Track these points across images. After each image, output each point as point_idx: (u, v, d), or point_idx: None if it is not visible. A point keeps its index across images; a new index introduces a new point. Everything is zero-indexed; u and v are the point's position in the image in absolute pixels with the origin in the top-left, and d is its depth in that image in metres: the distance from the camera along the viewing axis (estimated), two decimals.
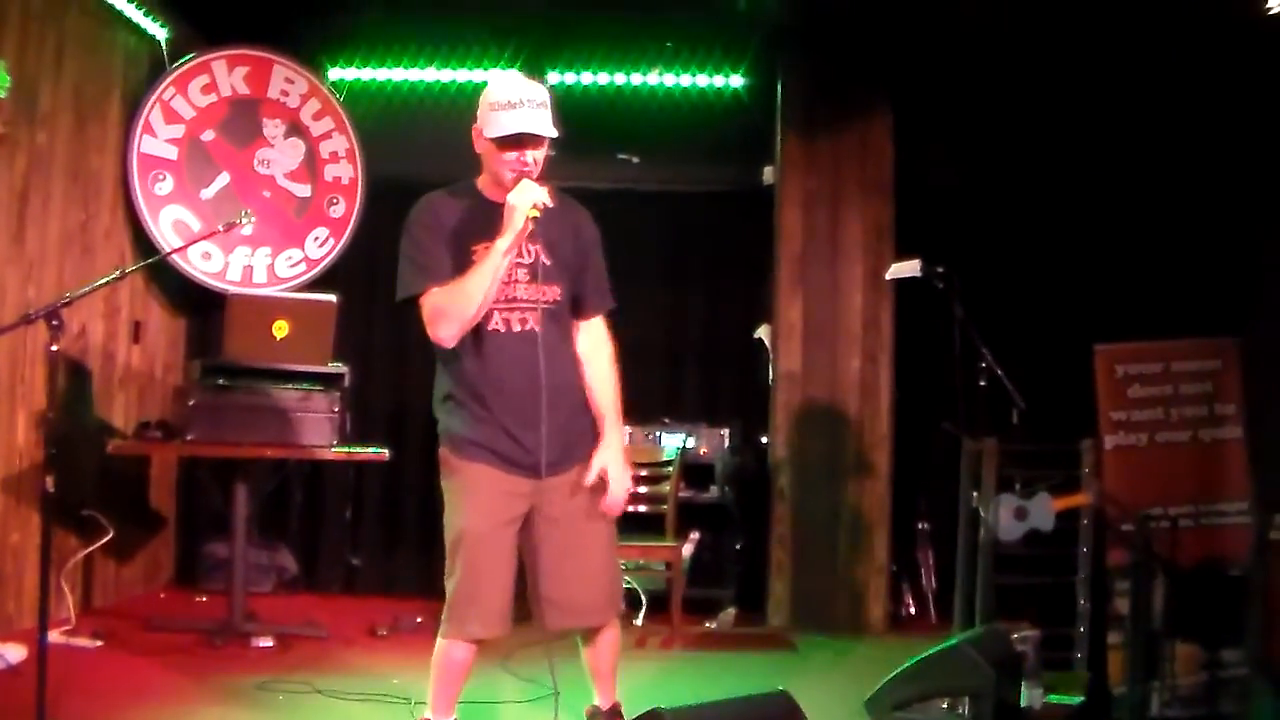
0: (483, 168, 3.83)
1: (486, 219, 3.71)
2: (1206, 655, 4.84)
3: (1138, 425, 5.48)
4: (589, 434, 3.92)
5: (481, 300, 3.64)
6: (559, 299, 3.83)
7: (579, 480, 3.85)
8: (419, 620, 6.09)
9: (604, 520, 3.91)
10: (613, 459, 3.87)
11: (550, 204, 3.67)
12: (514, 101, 3.66)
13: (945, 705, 4.61)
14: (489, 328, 3.74)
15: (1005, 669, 4.58)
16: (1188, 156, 6.53)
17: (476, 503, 3.77)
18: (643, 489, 6.54)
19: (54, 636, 5.34)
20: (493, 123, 3.69)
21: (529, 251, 3.77)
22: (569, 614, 3.88)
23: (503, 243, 3.61)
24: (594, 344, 3.97)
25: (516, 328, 3.76)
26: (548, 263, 3.80)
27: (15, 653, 5.11)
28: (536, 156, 3.70)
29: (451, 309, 3.65)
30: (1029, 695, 4.77)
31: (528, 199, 3.61)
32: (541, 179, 3.74)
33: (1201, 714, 4.74)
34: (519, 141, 3.67)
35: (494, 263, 3.62)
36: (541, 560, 3.85)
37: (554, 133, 3.70)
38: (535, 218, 3.61)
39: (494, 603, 3.75)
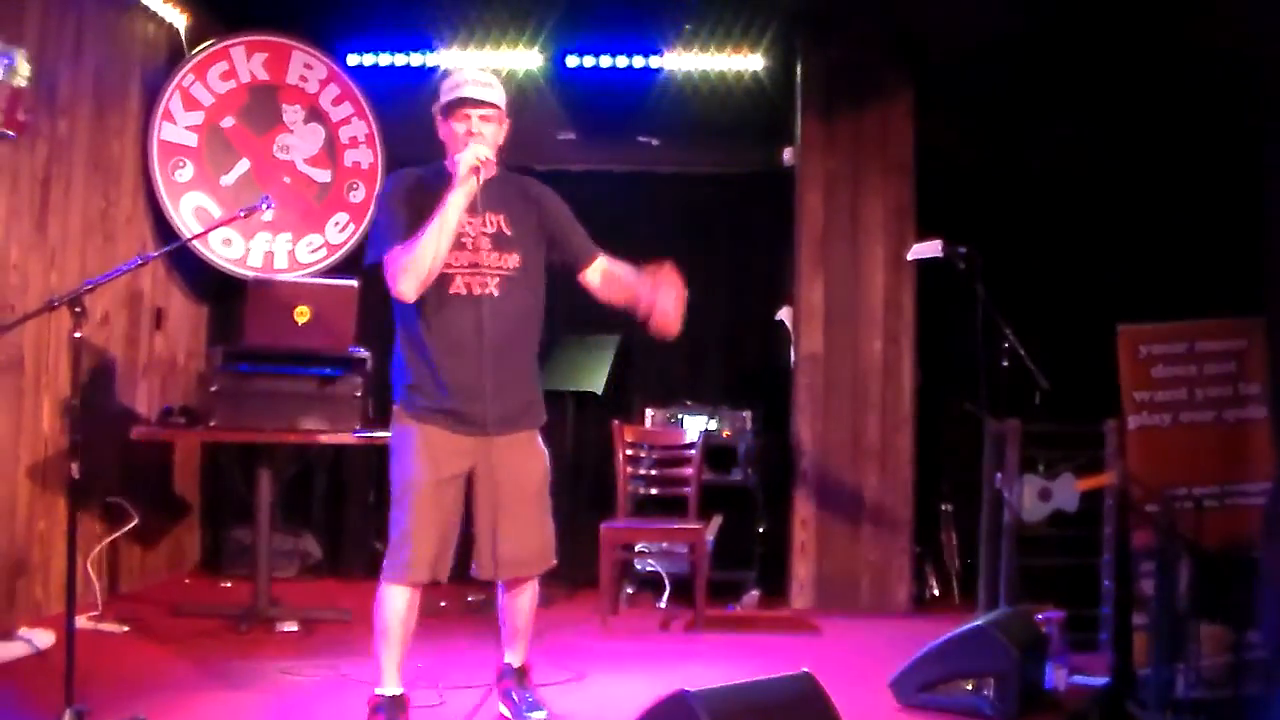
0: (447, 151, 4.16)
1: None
2: (1232, 636, 4.82)
3: (1162, 405, 5.45)
4: (537, 402, 4.29)
5: (435, 253, 3.90)
6: (519, 266, 4.11)
7: (522, 443, 4.18)
8: (442, 604, 6.11)
9: (540, 480, 4.23)
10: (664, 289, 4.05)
11: (492, 158, 4.00)
12: (459, 81, 4.07)
13: (970, 686, 4.61)
14: (450, 291, 4.03)
15: (1029, 650, 4.59)
16: (1214, 133, 6.47)
17: (424, 457, 4.05)
18: (665, 472, 6.55)
19: (81, 622, 5.39)
20: (442, 98, 4.09)
21: (492, 221, 4.09)
22: (502, 565, 4.15)
23: (453, 195, 3.90)
24: (600, 265, 4.26)
25: (477, 291, 4.04)
26: (509, 232, 4.11)
27: (43, 638, 5.15)
28: (484, 128, 4.04)
29: (409, 262, 3.90)
30: (1053, 676, 4.76)
31: (471, 154, 3.92)
32: (502, 153, 4.13)
33: (1226, 695, 4.72)
34: (463, 107, 4.03)
35: (445, 215, 3.90)
36: (481, 515, 4.14)
37: (494, 99, 4.06)
38: (478, 167, 3.91)
39: (428, 550, 4.00)
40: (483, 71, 4.14)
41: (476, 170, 3.91)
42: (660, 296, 4.00)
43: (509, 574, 4.19)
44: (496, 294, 4.05)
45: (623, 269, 4.22)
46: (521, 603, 4.32)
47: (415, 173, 4.16)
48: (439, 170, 4.11)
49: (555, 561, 4.30)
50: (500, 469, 4.10)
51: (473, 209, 3.98)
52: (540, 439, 4.28)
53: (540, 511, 4.22)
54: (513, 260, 4.10)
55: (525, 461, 4.19)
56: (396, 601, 4.03)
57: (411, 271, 3.89)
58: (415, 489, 4.02)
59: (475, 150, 3.92)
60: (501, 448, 4.11)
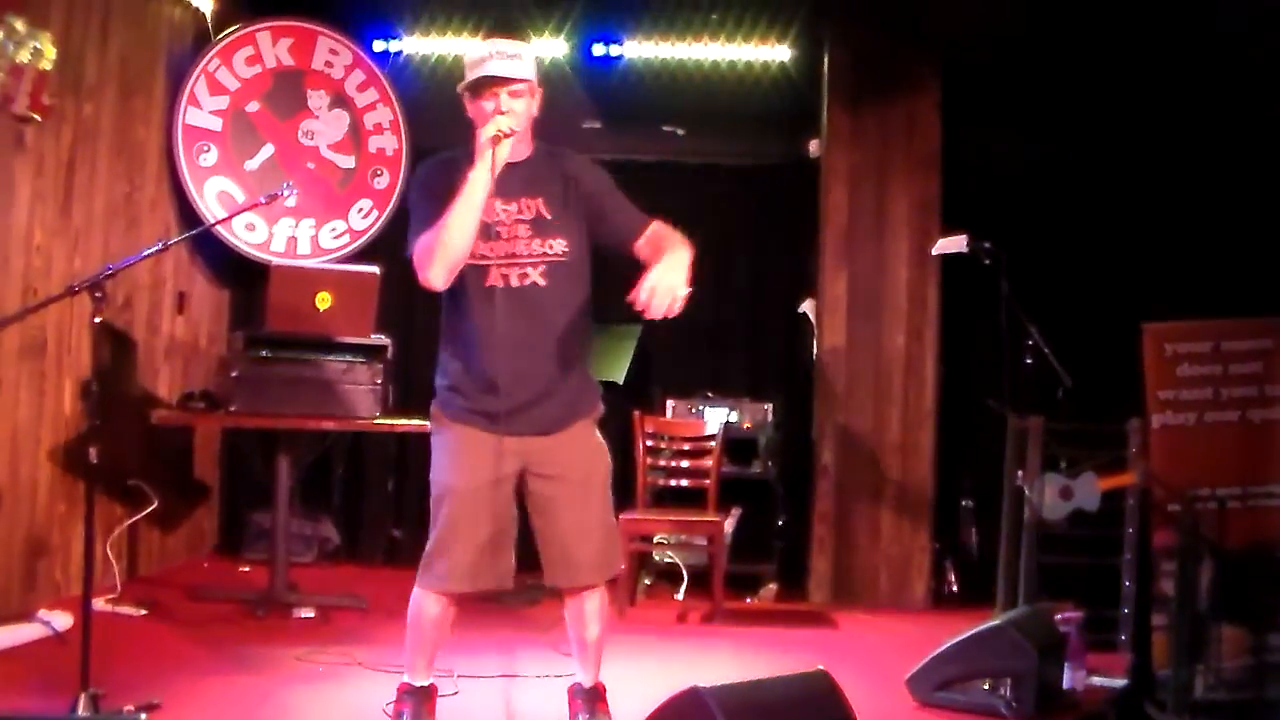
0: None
1: None
2: (1252, 638, 4.78)
3: (1186, 405, 5.40)
4: (589, 392, 3.98)
5: (463, 234, 3.62)
6: (567, 251, 3.80)
7: (578, 438, 3.88)
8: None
9: (599, 480, 3.92)
10: (663, 264, 3.54)
11: (516, 129, 3.67)
12: (484, 56, 3.73)
13: (987, 686, 4.58)
14: (487, 284, 3.76)
15: (1048, 650, 4.56)
16: (1243, 131, 6.42)
17: (461, 462, 3.80)
18: (685, 463, 6.54)
19: (100, 605, 5.42)
20: (468, 76, 3.77)
21: (529, 206, 3.80)
22: (559, 572, 3.89)
23: (474, 171, 3.62)
24: (650, 237, 3.81)
25: (516, 283, 3.76)
26: (549, 216, 3.80)
27: (62, 620, 5.15)
28: (513, 105, 3.72)
29: (435, 248, 3.63)
30: (1071, 677, 4.73)
31: (493, 126, 3.63)
32: (536, 128, 3.85)
33: (1247, 698, 4.69)
34: (489, 85, 3.71)
35: (468, 193, 3.61)
36: (534, 518, 3.89)
37: (521, 75, 3.73)
38: (498, 138, 3.61)
39: (464, 558, 3.77)
40: (510, 43, 3.77)
41: (496, 141, 3.61)
42: (656, 270, 3.52)
43: (565, 580, 3.91)
44: (543, 283, 3.77)
45: (667, 235, 3.79)
46: (584, 613, 3.95)
47: (443, 158, 3.90)
48: (469, 152, 3.74)
49: (622, 567, 4.00)
50: (555, 468, 3.84)
51: (507, 195, 3.74)
52: (598, 431, 3.98)
53: (601, 513, 3.91)
54: (559, 245, 3.78)
55: (582, 458, 3.90)
56: (431, 607, 3.85)
57: (437, 256, 3.62)
58: (452, 496, 3.78)
59: (496, 122, 3.63)
60: (554, 446, 3.83)
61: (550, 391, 3.80)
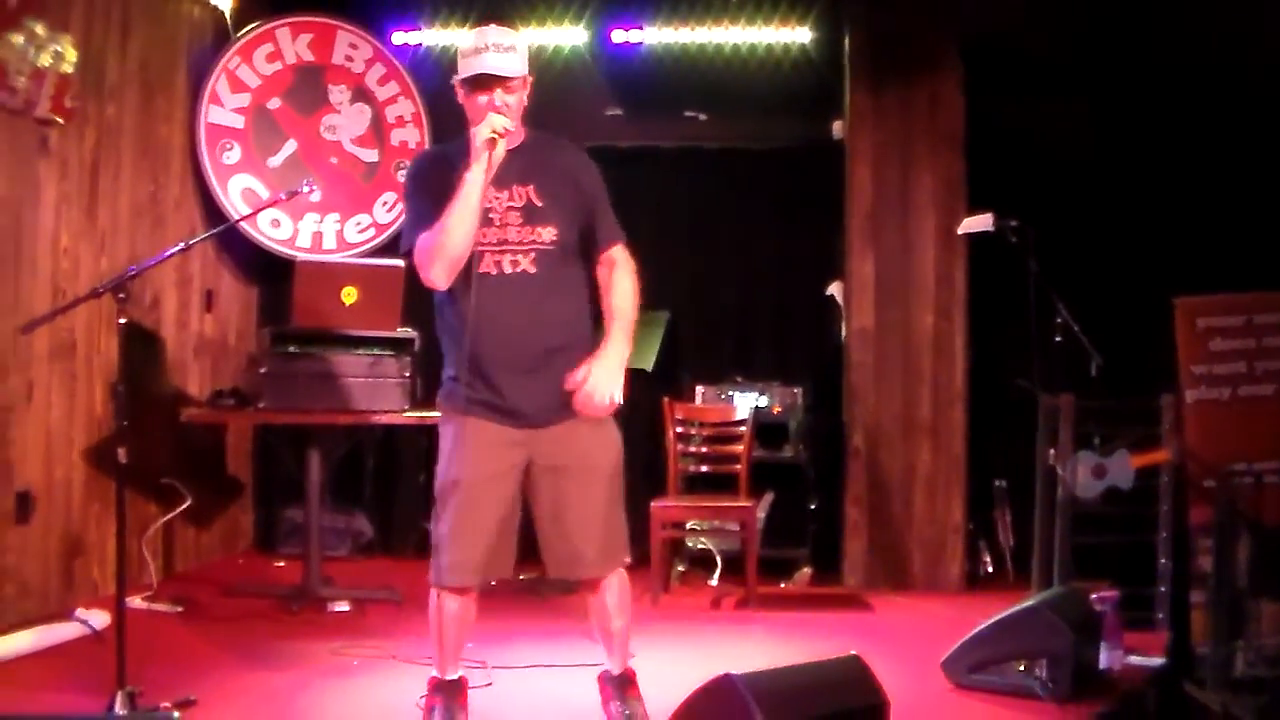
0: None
1: None
2: None
3: (1219, 379, 5.35)
4: None
5: (462, 235, 3.63)
6: (556, 240, 3.79)
7: (584, 429, 3.82)
8: (493, 583, 6.09)
9: (604, 471, 3.88)
10: (601, 363, 3.70)
11: (511, 129, 3.68)
12: (479, 47, 3.71)
13: (1022, 667, 4.55)
14: (479, 270, 3.74)
15: (1084, 630, 4.52)
16: (1274, 102, 6.34)
17: (465, 454, 3.79)
18: (716, 449, 6.52)
19: (136, 602, 5.48)
20: (461, 70, 3.75)
21: (520, 194, 3.79)
22: (564, 564, 3.90)
23: (470, 173, 3.62)
24: (612, 267, 3.88)
25: (508, 269, 3.76)
26: (540, 204, 3.80)
27: (99, 619, 5.19)
28: (508, 100, 3.73)
29: (434, 248, 3.65)
30: (1108, 656, 4.69)
31: (486, 126, 3.63)
32: (526, 120, 3.84)
33: None
34: (485, 83, 3.70)
35: (465, 194, 3.62)
36: (538, 509, 3.87)
37: (517, 72, 3.73)
38: (494, 139, 3.62)
39: (471, 553, 3.78)
40: (503, 32, 3.75)
41: (492, 143, 3.62)
42: (597, 370, 3.69)
43: (570, 573, 3.93)
44: (533, 270, 3.75)
45: (621, 287, 3.83)
46: (604, 603, 3.96)
47: (438, 150, 3.89)
48: (461, 144, 3.77)
49: (628, 560, 3.97)
50: (559, 458, 3.81)
51: (499, 182, 3.74)
52: (612, 422, 3.90)
53: (605, 504, 3.87)
54: (548, 233, 3.77)
55: (588, 450, 3.84)
56: (448, 603, 3.87)
57: (438, 258, 3.64)
58: (456, 489, 3.76)
59: (490, 122, 3.63)
60: (558, 436, 3.80)
61: (546, 379, 3.75)
